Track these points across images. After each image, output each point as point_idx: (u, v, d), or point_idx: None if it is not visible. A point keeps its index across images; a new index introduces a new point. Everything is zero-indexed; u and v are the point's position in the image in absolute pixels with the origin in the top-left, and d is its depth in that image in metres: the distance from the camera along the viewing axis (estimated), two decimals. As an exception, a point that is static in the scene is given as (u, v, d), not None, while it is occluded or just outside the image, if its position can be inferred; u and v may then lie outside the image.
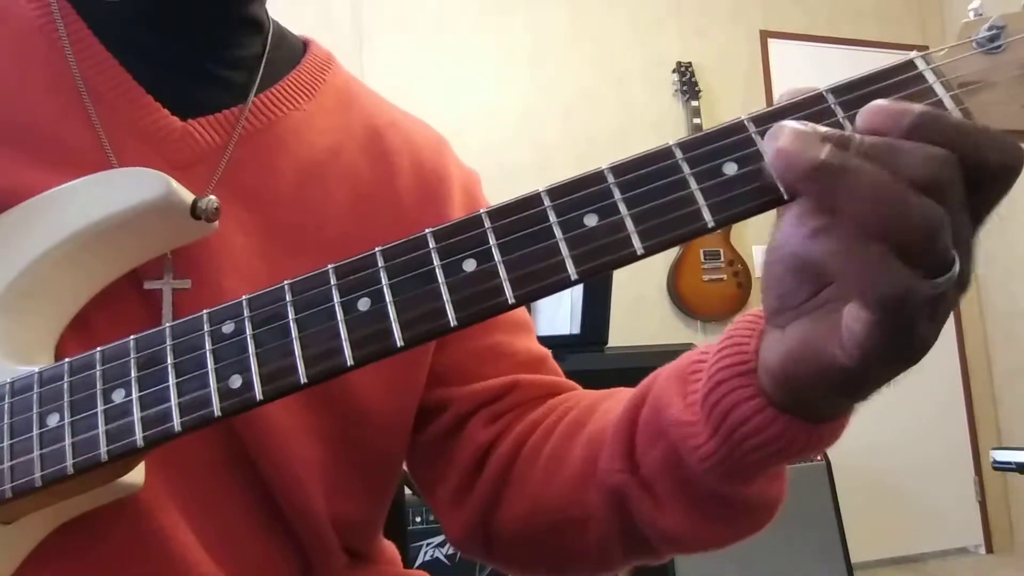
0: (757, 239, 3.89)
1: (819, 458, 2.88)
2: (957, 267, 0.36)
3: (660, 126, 3.90)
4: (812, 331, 0.41)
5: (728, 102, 4.00)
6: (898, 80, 0.41)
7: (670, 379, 0.53)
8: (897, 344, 0.37)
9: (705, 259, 3.81)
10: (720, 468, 0.49)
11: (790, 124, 0.38)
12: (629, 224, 0.40)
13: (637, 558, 0.61)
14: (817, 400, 0.43)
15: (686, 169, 0.41)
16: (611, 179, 0.41)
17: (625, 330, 3.26)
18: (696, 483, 0.51)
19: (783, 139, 0.38)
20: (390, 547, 0.77)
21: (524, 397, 0.70)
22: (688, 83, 3.93)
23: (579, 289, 2.42)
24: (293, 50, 0.74)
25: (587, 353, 2.38)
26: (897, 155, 0.36)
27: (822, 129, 0.38)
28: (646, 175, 0.41)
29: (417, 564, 2.05)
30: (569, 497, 0.60)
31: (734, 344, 0.48)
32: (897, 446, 3.93)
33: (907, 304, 0.36)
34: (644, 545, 0.58)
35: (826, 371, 0.40)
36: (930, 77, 0.41)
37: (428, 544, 2.09)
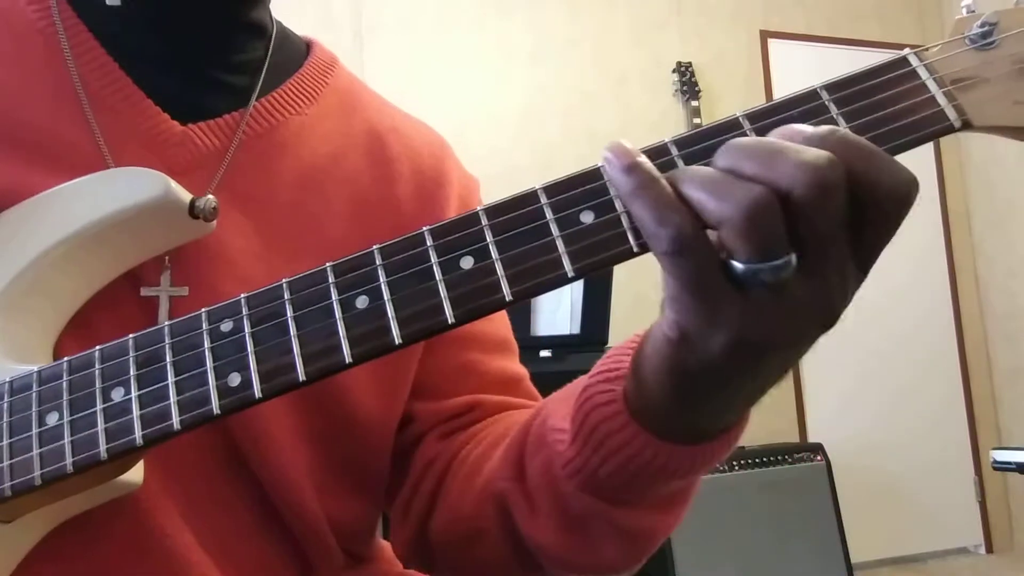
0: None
1: (819, 458, 2.89)
2: (787, 262, 0.36)
3: (660, 126, 3.90)
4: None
5: (728, 102, 4.00)
6: (891, 76, 0.42)
7: (565, 390, 0.54)
8: (704, 315, 0.38)
9: (705, 259, 3.81)
10: (578, 476, 0.49)
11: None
12: (625, 221, 0.40)
13: None
14: (662, 399, 0.43)
15: (682, 165, 0.41)
16: (607, 176, 0.42)
17: (625, 330, 3.22)
18: (567, 495, 0.51)
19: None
20: (387, 547, 0.77)
21: (483, 416, 0.69)
22: (688, 83, 3.93)
23: (579, 289, 2.42)
24: (296, 53, 0.73)
25: (587, 353, 2.38)
26: (772, 160, 0.37)
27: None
28: None
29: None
30: (474, 509, 0.60)
31: (612, 355, 0.49)
32: (897, 446, 3.93)
33: (685, 249, 0.37)
34: (534, 563, 0.58)
35: (659, 347, 0.41)
36: (923, 73, 0.41)
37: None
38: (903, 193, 0.37)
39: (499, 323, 0.75)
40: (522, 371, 0.75)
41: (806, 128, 0.38)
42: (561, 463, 0.50)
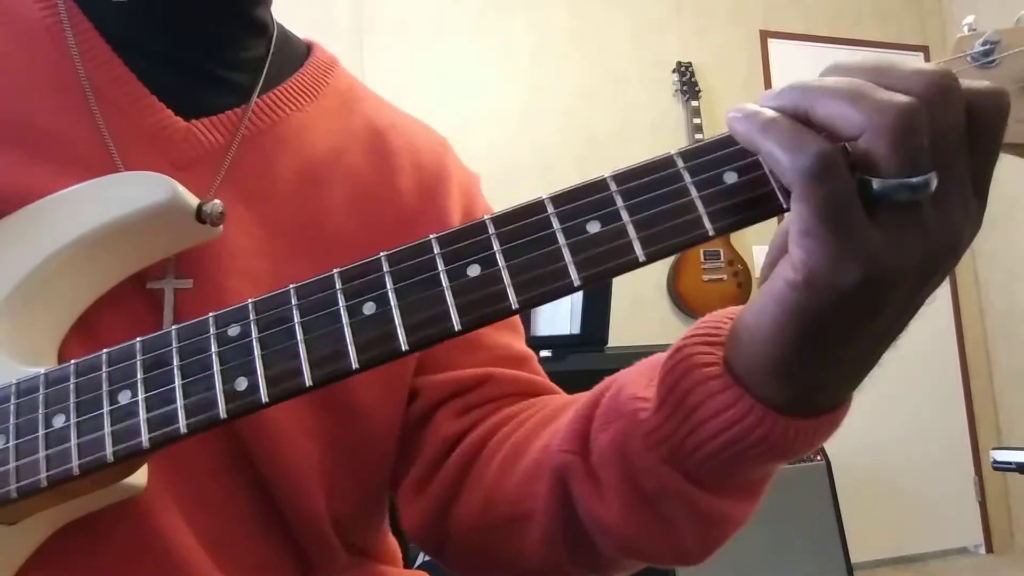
0: (757, 239, 3.89)
1: (819, 458, 2.89)
2: (932, 183, 0.35)
3: (660, 126, 3.91)
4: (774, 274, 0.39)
5: (728, 102, 3.98)
6: None
7: (641, 364, 0.51)
8: (838, 244, 0.36)
9: (705, 259, 3.81)
10: (663, 446, 0.45)
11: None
12: (631, 231, 0.41)
13: (583, 566, 0.57)
14: (777, 352, 0.40)
15: (687, 178, 0.41)
16: (613, 187, 0.42)
17: (625, 330, 3.26)
18: (641, 471, 0.47)
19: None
20: (394, 544, 0.77)
21: (498, 392, 0.68)
22: (688, 83, 3.93)
23: (579, 289, 2.41)
24: (297, 53, 0.74)
25: (587, 353, 2.38)
26: (893, 74, 0.36)
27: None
28: (648, 183, 0.42)
29: (417, 564, 2.04)
30: (520, 490, 0.58)
31: (711, 320, 0.47)
32: (897, 446, 3.94)
33: (829, 167, 0.35)
34: (589, 547, 0.54)
35: (778, 295, 0.38)
36: None
37: (428, 544, 2.09)
38: (1000, 101, 0.37)
39: None
40: (530, 352, 0.75)
41: (883, 60, 0.38)
42: (643, 432, 0.46)
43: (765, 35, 4.20)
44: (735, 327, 0.43)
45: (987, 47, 0.41)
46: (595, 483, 0.51)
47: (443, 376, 0.68)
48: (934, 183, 0.35)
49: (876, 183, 0.35)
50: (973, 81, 0.37)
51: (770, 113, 0.38)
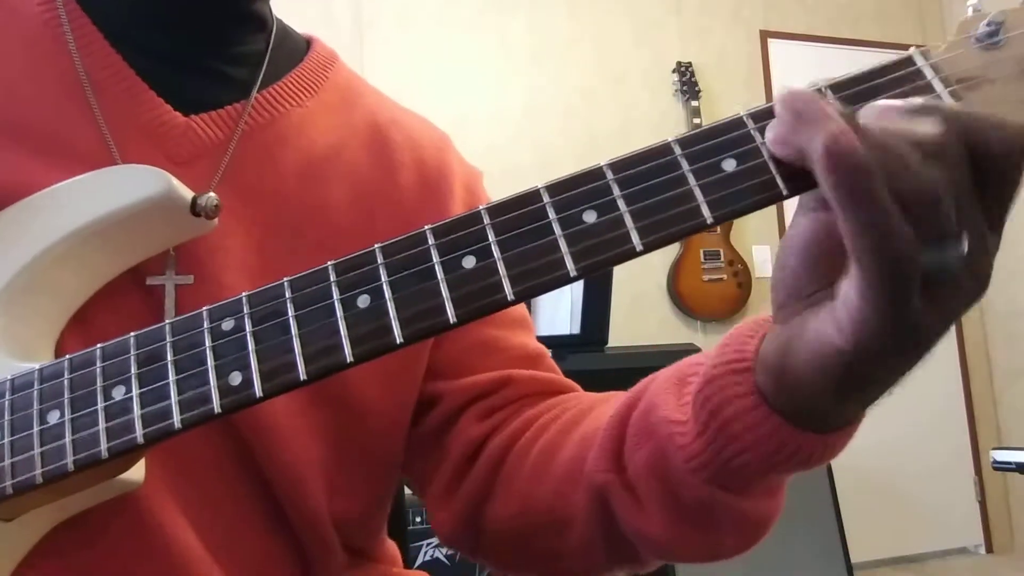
0: (757, 239, 3.89)
1: (818, 459, 2.88)
2: (964, 246, 0.36)
3: (660, 126, 3.91)
4: (813, 316, 0.39)
5: (728, 102, 4.00)
6: (896, 76, 0.41)
7: (667, 380, 0.52)
8: (894, 319, 0.36)
9: (705, 259, 3.81)
10: (706, 470, 0.47)
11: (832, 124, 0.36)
12: (628, 220, 0.40)
13: (622, 565, 0.59)
14: (815, 398, 0.41)
15: (685, 165, 0.41)
16: (610, 175, 0.41)
17: (625, 330, 3.25)
18: (681, 487, 0.49)
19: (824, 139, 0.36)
20: (392, 547, 0.77)
21: (518, 393, 0.69)
22: (688, 83, 3.93)
23: (579, 289, 2.41)
24: (296, 49, 0.74)
25: (587, 353, 2.38)
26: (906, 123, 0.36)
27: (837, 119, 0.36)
28: (645, 171, 0.41)
29: (417, 564, 2.05)
30: (556, 497, 0.59)
31: (733, 343, 0.47)
32: (897, 446, 3.93)
33: (902, 263, 0.35)
34: (628, 551, 0.56)
35: (822, 356, 0.39)
36: (928, 73, 0.41)
37: (428, 544, 2.09)
38: (1014, 140, 0.36)
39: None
40: (542, 348, 0.75)
41: (906, 103, 0.38)
42: (684, 457, 0.47)
43: (765, 35, 4.19)
44: (776, 359, 0.43)
45: (992, 28, 0.41)
46: (634, 498, 0.53)
47: (464, 381, 0.69)
48: (965, 243, 0.35)
49: (927, 258, 0.35)
50: (993, 121, 0.36)
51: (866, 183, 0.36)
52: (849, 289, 0.37)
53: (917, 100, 0.38)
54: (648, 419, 0.51)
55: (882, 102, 0.38)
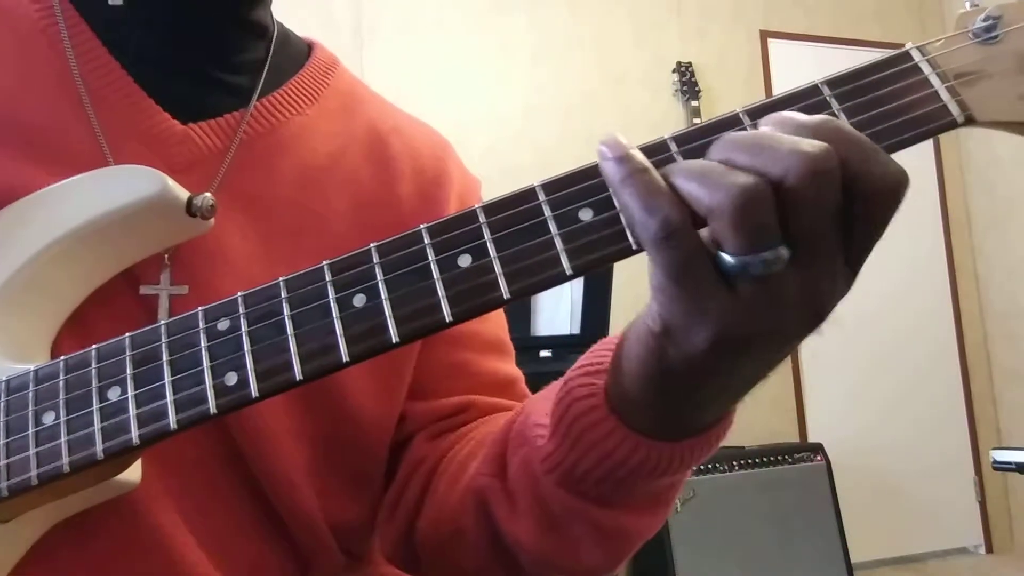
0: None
1: (819, 458, 2.89)
2: (778, 254, 0.35)
3: (660, 126, 3.90)
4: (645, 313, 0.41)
5: (728, 102, 3.99)
6: (894, 71, 0.41)
7: (552, 386, 0.53)
8: (688, 308, 0.37)
9: (705, 259, 3.81)
10: (558, 471, 0.48)
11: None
12: (624, 219, 0.40)
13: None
14: (642, 393, 0.43)
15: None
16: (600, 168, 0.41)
17: (625, 330, 3.25)
18: (546, 491, 0.50)
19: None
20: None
21: (475, 418, 0.69)
22: (688, 83, 3.93)
23: (579, 289, 2.42)
24: (297, 53, 0.73)
25: (587, 353, 2.37)
26: (764, 149, 0.36)
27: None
28: None
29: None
30: (455, 508, 0.60)
31: (600, 347, 0.48)
32: (897, 446, 3.93)
33: (672, 236, 0.36)
34: (514, 563, 0.57)
35: (641, 343, 0.41)
36: (926, 68, 0.41)
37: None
38: (893, 186, 0.37)
39: (494, 323, 0.75)
40: (516, 373, 0.75)
41: (799, 116, 0.38)
42: (540, 457, 0.49)
43: (765, 35, 4.19)
44: (615, 357, 0.45)
45: (989, 23, 0.41)
46: (511, 505, 0.54)
47: (427, 405, 0.69)
48: (784, 257, 0.35)
49: (726, 259, 0.36)
50: (878, 155, 0.37)
51: (637, 164, 0.39)
52: (653, 273, 0.38)
53: (819, 117, 0.38)
54: (524, 424, 0.53)
55: (783, 113, 0.39)
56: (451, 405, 0.69)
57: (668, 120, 3.95)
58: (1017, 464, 2.08)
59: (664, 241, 0.37)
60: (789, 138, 0.36)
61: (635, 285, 3.96)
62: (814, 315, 0.38)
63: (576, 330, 2.43)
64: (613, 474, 0.46)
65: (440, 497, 0.63)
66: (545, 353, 2.36)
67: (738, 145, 0.37)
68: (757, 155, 0.36)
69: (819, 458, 2.90)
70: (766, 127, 0.39)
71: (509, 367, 0.75)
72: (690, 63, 3.97)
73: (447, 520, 0.61)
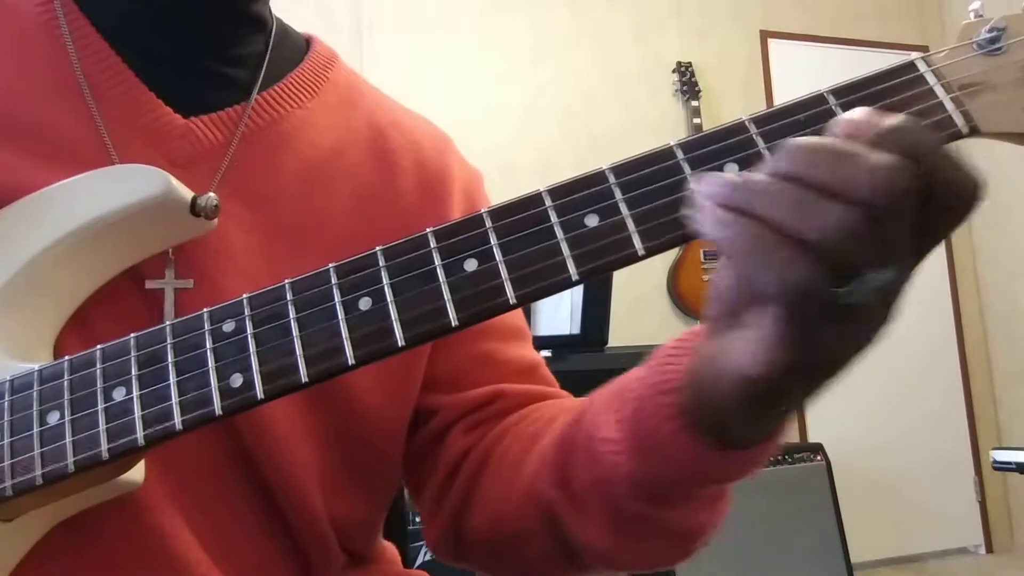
0: (757, 239, 3.88)
1: (819, 458, 2.88)
2: (878, 280, 0.35)
3: (660, 126, 3.90)
4: (737, 338, 0.39)
5: (728, 102, 4.01)
6: (899, 82, 0.41)
7: (608, 397, 0.53)
8: (803, 348, 0.37)
9: (705, 259, 3.81)
10: (640, 489, 0.49)
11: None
12: (630, 224, 0.40)
13: (582, 572, 0.61)
14: (731, 416, 0.42)
15: (687, 169, 0.41)
16: (612, 179, 0.41)
17: (625, 330, 3.25)
18: (620, 502, 0.51)
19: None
20: (390, 547, 0.77)
21: (508, 406, 0.69)
22: (688, 83, 3.93)
23: (579, 289, 2.41)
24: (296, 48, 0.73)
25: (587, 353, 2.38)
26: (839, 165, 0.35)
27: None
28: (647, 175, 0.41)
29: (417, 564, 2.05)
30: (519, 513, 0.61)
31: (663, 363, 0.48)
32: (897, 446, 3.93)
33: (807, 299, 0.35)
34: (579, 561, 0.59)
35: (737, 381, 0.39)
36: (931, 79, 0.41)
37: (428, 544, 2.09)
38: (972, 193, 0.36)
39: (514, 311, 0.75)
40: (538, 358, 0.75)
41: (873, 117, 0.37)
42: (619, 476, 0.50)
43: (765, 35, 4.19)
44: (696, 380, 0.44)
45: (994, 34, 0.41)
46: (579, 511, 0.55)
47: (458, 397, 0.69)
48: (891, 276, 0.35)
49: (838, 292, 0.35)
50: (957, 164, 0.36)
51: (755, 224, 0.36)
52: (760, 327, 0.37)
53: (896, 121, 0.36)
54: (591, 438, 0.53)
55: (859, 116, 0.37)
56: (481, 395, 0.69)
57: (668, 120, 3.95)
58: (1017, 464, 2.08)
59: (801, 299, 0.35)
60: (866, 155, 0.35)
61: (635, 286, 3.95)
62: (891, 317, 0.38)
63: (576, 330, 2.43)
64: (697, 485, 0.48)
65: (495, 500, 0.63)
66: (545, 353, 2.36)
67: (810, 158, 0.36)
68: (835, 174, 0.35)
69: (819, 458, 2.89)
70: (838, 131, 0.37)
71: (531, 352, 0.75)
72: (690, 63, 3.97)
73: (508, 522, 0.62)
